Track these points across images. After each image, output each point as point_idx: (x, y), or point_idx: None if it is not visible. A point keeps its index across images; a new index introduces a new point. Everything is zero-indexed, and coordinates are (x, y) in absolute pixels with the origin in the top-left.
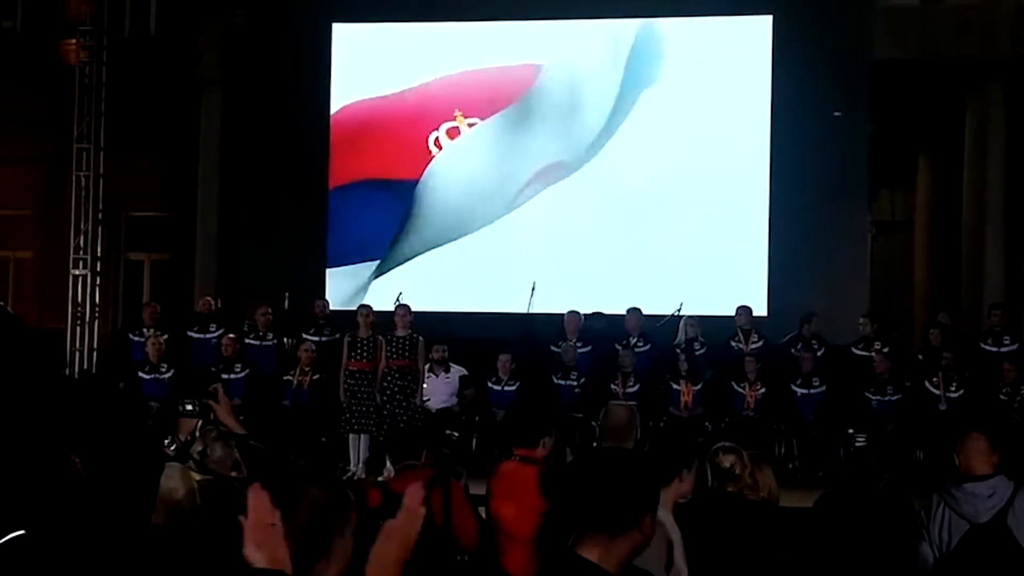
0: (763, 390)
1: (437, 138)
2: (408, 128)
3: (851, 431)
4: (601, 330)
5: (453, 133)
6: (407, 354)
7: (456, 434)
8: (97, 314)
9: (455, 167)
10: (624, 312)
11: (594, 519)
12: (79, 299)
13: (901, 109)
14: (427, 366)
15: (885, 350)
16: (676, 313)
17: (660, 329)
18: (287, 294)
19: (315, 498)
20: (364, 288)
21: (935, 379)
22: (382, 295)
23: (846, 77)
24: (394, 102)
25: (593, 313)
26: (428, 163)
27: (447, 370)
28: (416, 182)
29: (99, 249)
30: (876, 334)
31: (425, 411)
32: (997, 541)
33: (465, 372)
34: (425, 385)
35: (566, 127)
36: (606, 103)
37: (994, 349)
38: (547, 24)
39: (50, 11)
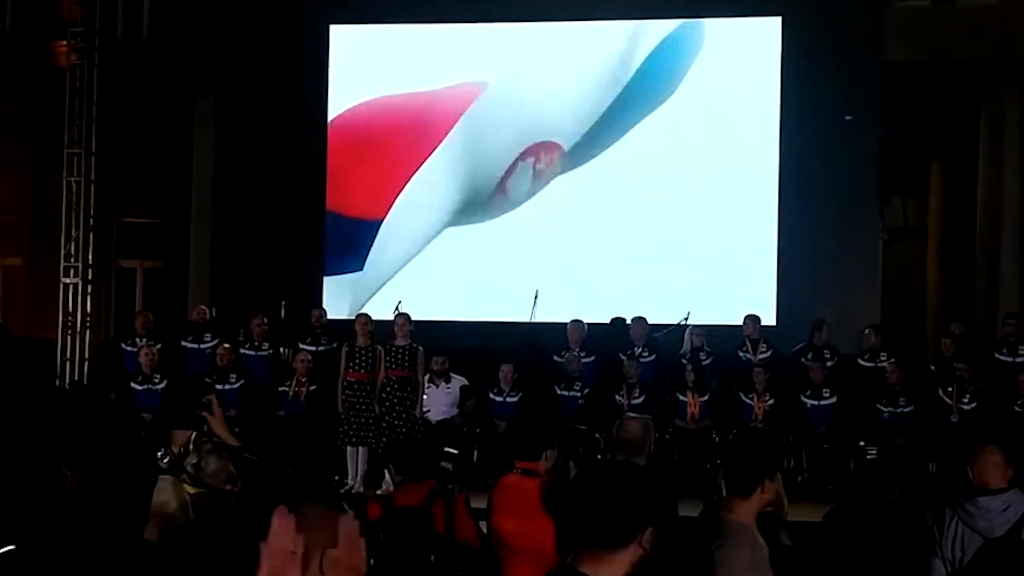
0: (772, 401)
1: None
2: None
3: (862, 444)
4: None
5: None
6: (407, 364)
7: (456, 451)
8: (88, 323)
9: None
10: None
11: (592, 534)
12: (70, 308)
13: (914, 113)
14: (427, 376)
15: (892, 361)
16: (683, 322)
17: (665, 339)
18: (283, 303)
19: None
20: (363, 296)
21: (949, 388)
22: (381, 304)
23: (857, 80)
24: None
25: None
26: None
27: (447, 380)
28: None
29: (90, 256)
30: (882, 345)
31: (425, 422)
32: (1012, 556)
33: (466, 382)
34: (425, 396)
35: (570, 131)
36: (610, 107)
37: (1009, 359)
38: (551, 26)
39: (41, 12)
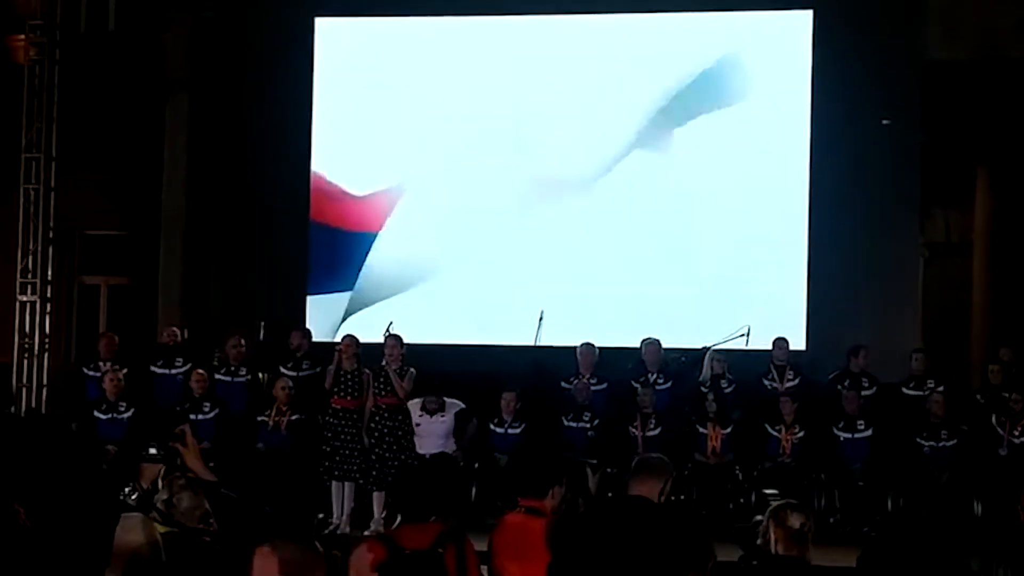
0: (801, 434)
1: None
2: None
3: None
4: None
5: None
6: (400, 393)
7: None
8: (47, 345)
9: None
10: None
11: None
12: (27, 328)
13: (957, 117)
14: (419, 403)
15: (940, 389)
16: (741, 334)
17: (683, 365)
18: (262, 323)
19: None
20: (351, 317)
21: (1003, 418)
22: (371, 325)
23: (895, 80)
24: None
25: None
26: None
27: (442, 411)
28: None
29: (49, 272)
30: (929, 371)
31: (419, 456)
32: None
33: (462, 406)
34: (417, 424)
35: (580, 136)
36: (625, 109)
37: None
38: (556, 19)
39: None
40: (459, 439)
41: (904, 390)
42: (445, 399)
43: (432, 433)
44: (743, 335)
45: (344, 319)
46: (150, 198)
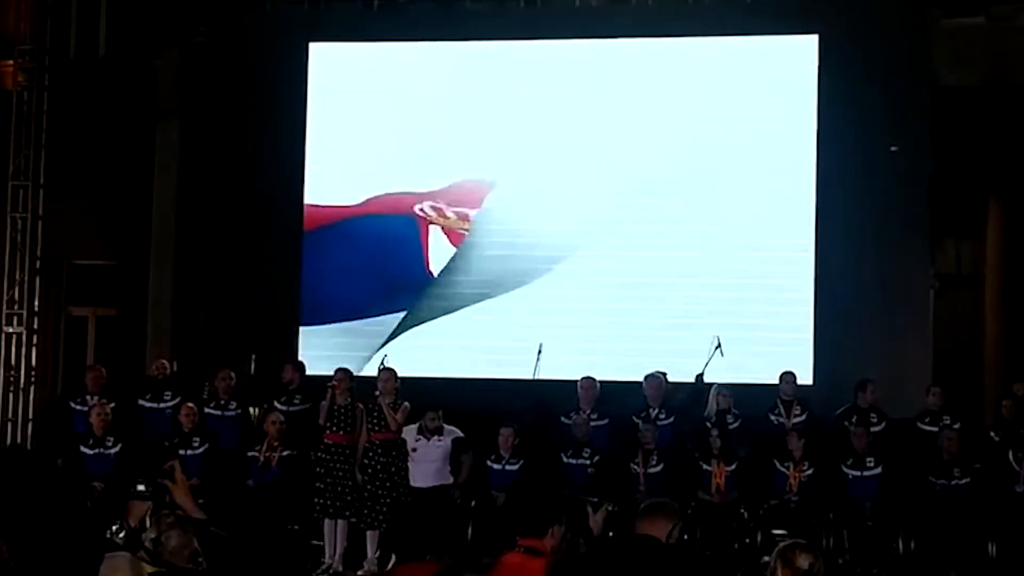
0: (810, 471)
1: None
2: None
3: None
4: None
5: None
6: (392, 425)
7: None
8: (33, 378)
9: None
10: (642, 380)
11: None
12: (12, 361)
13: (968, 144)
14: (416, 428)
15: (956, 426)
16: (714, 348)
17: (685, 399)
18: (253, 356)
19: None
20: (345, 349)
21: (1020, 454)
22: (365, 357)
23: (904, 106)
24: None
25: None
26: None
27: (439, 434)
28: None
29: (36, 303)
30: (945, 407)
31: (415, 492)
32: None
33: (460, 434)
34: (413, 449)
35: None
36: (624, 138)
37: None
38: (553, 44)
39: None
40: (455, 472)
41: (919, 425)
42: (444, 425)
43: (429, 458)
44: (718, 347)
45: (339, 352)
46: (139, 227)
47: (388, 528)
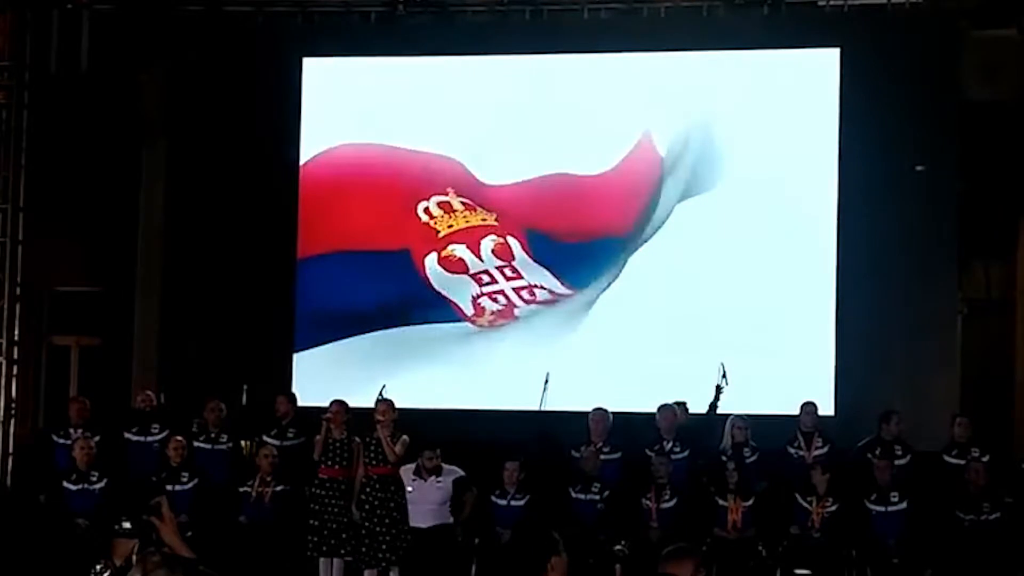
0: (834, 507)
1: (428, 208)
2: (394, 189)
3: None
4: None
5: (446, 207)
6: (390, 459)
7: None
8: (13, 411)
9: None
10: (656, 411)
11: None
12: None
13: (998, 162)
14: (412, 468)
15: (984, 459)
16: (720, 380)
17: (699, 430)
18: (245, 387)
19: None
20: (340, 380)
21: None
22: (363, 388)
23: (930, 123)
24: (379, 156)
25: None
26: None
27: (438, 474)
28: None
29: (16, 331)
30: (973, 438)
31: (414, 532)
32: None
33: (461, 473)
34: (410, 489)
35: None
36: (636, 154)
37: None
38: (561, 58)
39: None
40: (457, 511)
41: (946, 458)
42: (443, 464)
43: (426, 500)
44: (723, 375)
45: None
46: (125, 252)
47: (387, 567)
